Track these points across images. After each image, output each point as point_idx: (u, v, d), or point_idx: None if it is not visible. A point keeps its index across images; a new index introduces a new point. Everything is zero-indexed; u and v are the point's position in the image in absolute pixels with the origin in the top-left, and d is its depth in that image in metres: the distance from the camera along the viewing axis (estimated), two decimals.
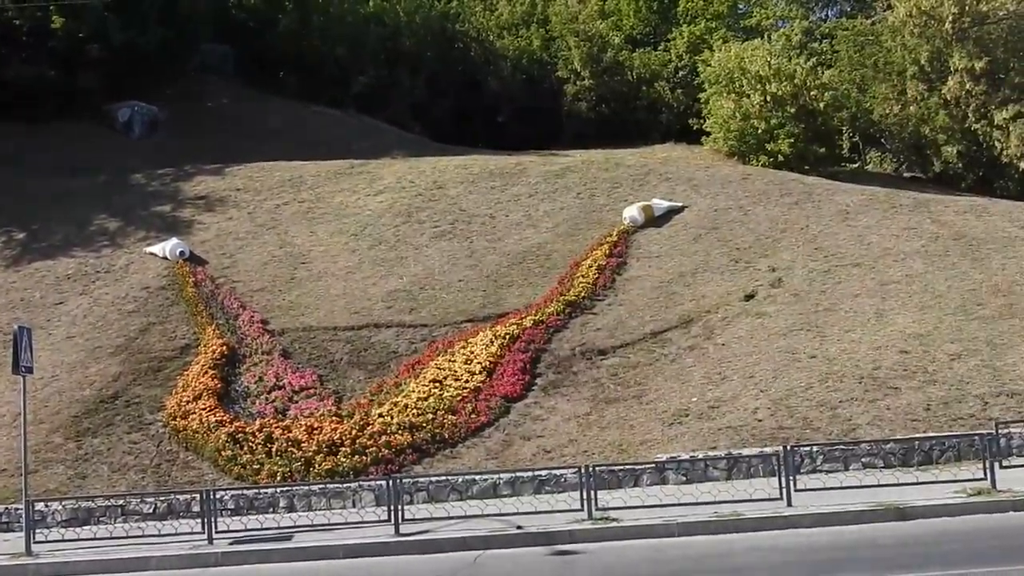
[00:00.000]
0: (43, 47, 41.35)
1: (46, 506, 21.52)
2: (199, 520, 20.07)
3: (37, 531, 19.71)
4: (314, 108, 46.22)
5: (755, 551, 15.12)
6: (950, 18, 37.60)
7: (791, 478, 17.95)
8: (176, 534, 19.38)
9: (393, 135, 44.75)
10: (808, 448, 20.67)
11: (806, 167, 37.02)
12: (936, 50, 38.41)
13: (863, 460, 20.93)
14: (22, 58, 41.36)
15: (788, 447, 18.65)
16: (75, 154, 39.98)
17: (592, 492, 18.32)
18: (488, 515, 19.03)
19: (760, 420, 22.90)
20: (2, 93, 40.67)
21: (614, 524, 17.64)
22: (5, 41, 41.70)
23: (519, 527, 17.99)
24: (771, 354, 25.12)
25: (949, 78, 37.90)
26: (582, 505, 18.35)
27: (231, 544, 18.58)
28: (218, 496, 20.28)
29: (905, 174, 40.58)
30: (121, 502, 21.99)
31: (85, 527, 21.39)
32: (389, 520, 18.51)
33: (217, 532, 18.92)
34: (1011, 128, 36.80)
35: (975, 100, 37.80)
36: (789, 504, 17.59)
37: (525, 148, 42.39)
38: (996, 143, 37.33)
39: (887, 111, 39.80)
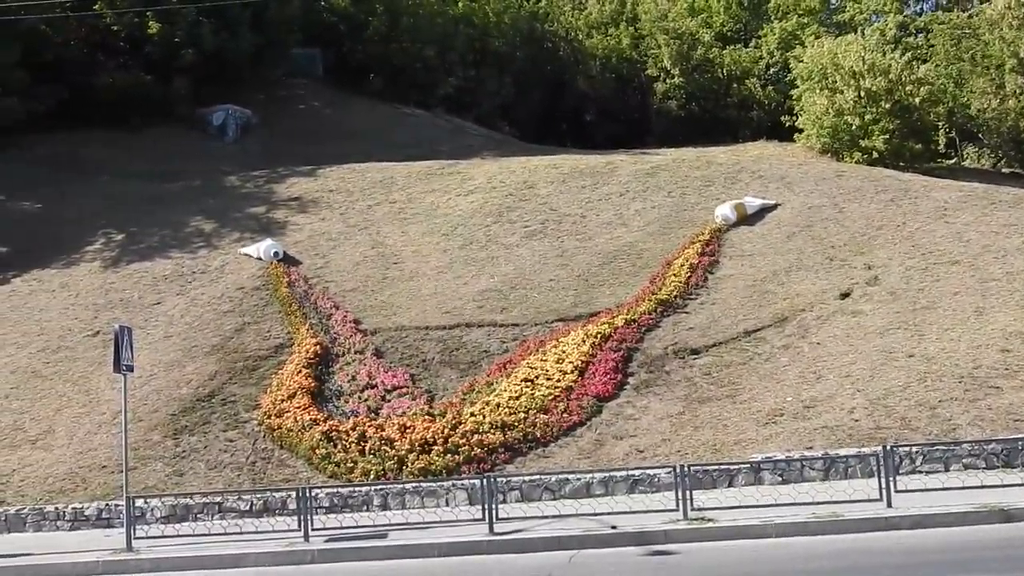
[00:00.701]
0: (139, 53, 42.26)
1: (145, 503, 21.88)
2: (294, 517, 20.28)
3: (137, 527, 20.07)
4: (402, 109, 46.63)
5: (855, 553, 14.91)
6: None
7: (891, 479, 17.66)
8: (273, 531, 19.61)
9: (481, 136, 44.95)
10: (907, 448, 20.29)
11: (901, 164, 36.46)
12: None
13: (964, 461, 20.46)
14: (119, 64, 42.24)
15: (888, 447, 18.34)
16: (169, 158, 40.77)
17: (687, 492, 18.20)
18: (582, 515, 18.99)
19: (857, 420, 22.54)
20: (99, 99, 41.54)
21: (710, 524, 17.50)
22: (103, 48, 42.64)
23: (614, 527, 17.92)
24: (868, 353, 24.73)
25: None
26: (677, 505, 18.22)
27: (327, 542, 18.75)
28: (313, 494, 20.51)
29: (1004, 170, 39.77)
30: (218, 499, 22.32)
31: (183, 523, 21.72)
32: (483, 519, 18.56)
33: (313, 530, 19.12)
34: None
35: None
36: (889, 505, 17.30)
37: (613, 147, 42.36)
38: None
39: (985, 105, 39.10)
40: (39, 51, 41.17)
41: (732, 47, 48.63)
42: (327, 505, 21.57)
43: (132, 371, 21.17)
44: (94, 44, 42.67)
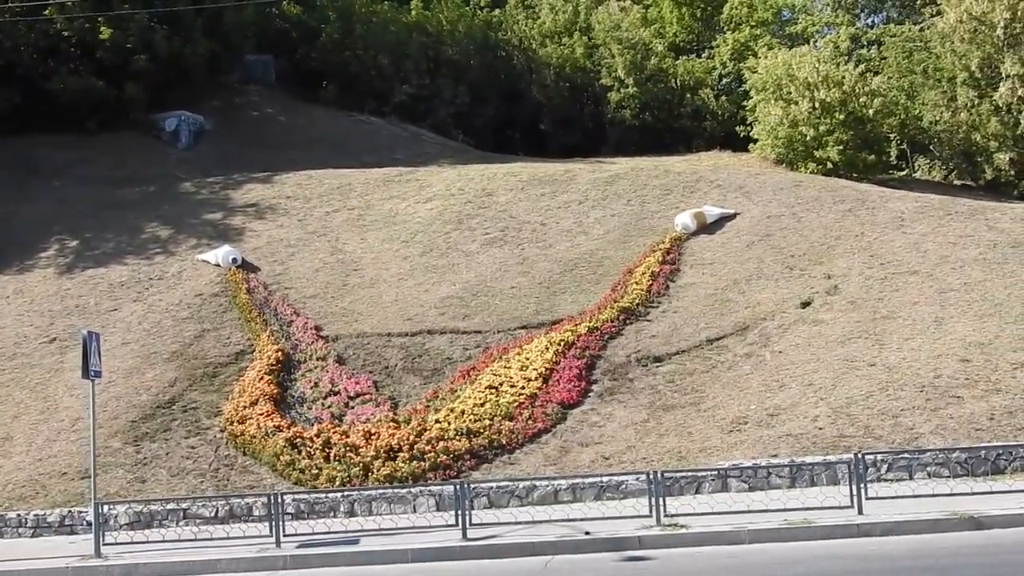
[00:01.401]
0: (91, 58, 41.74)
1: (109, 509, 21.65)
2: (262, 524, 20.20)
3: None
4: (357, 117, 46.49)
5: (830, 559, 15.08)
6: (1002, 23, 37.31)
7: (862, 486, 17.85)
8: (243, 537, 19.47)
9: (436, 143, 44.96)
10: (873, 456, 20.53)
11: (855, 175, 36.87)
12: (987, 56, 38.11)
13: (928, 469, 20.75)
14: (70, 69, 41.77)
15: (859, 454, 18.55)
16: (123, 164, 40.43)
17: (661, 498, 18.32)
18: (555, 520, 19.01)
19: (821, 428, 22.76)
20: (50, 105, 41.10)
21: (683, 530, 17.61)
22: (54, 53, 42.13)
23: (587, 532, 17.99)
24: (829, 362, 24.98)
25: (1001, 84, 37.62)
26: (650, 511, 18.33)
27: (298, 547, 18.67)
28: (281, 500, 20.42)
29: (955, 182, 40.34)
30: (184, 505, 22.15)
31: (148, 530, 21.59)
32: (456, 524, 18.56)
33: (284, 535, 19.04)
34: None
35: None
36: (860, 512, 17.49)
37: (568, 156, 42.49)
38: None
39: (937, 118, 39.61)
40: None
41: (685, 57, 48.93)
42: (293, 511, 21.44)
43: (100, 377, 21.00)
44: (46, 49, 42.09)
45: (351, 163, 39.29)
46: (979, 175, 39.64)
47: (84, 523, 22.07)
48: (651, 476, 18.68)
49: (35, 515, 22.64)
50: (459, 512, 18.57)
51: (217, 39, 43.96)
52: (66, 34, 41.55)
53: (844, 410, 23.16)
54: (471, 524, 18.57)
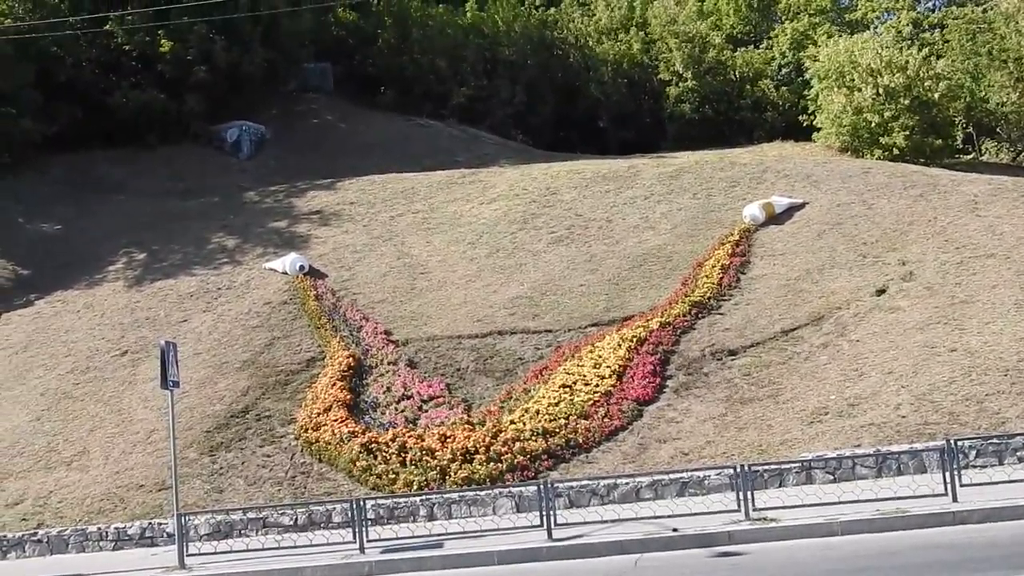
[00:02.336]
0: (152, 71, 42.07)
1: (189, 519, 21.61)
2: (343, 530, 20.12)
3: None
4: (416, 121, 46.52)
5: (928, 548, 14.65)
6: None
7: (956, 473, 17.46)
8: (326, 544, 19.38)
9: (495, 144, 44.88)
10: (962, 442, 20.07)
11: (922, 160, 36.38)
12: None
13: (1019, 454, 20.27)
14: (131, 83, 42.09)
15: (952, 441, 18.13)
16: (185, 176, 40.72)
17: (749, 492, 17.99)
18: (640, 518, 18.75)
19: (904, 416, 22.35)
20: (111, 119, 41.44)
21: (773, 524, 17.28)
22: (114, 68, 42.51)
23: (675, 529, 17.71)
24: (909, 349, 24.55)
25: None
26: (738, 505, 18.01)
27: (382, 552, 18.54)
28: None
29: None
30: (264, 514, 22.11)
31: (227, 540, 21.54)
32: (541, 525, 18.34)
33: (368, 541, 18.92)
34: None
35: None
36: (955, 500, 17.07)
37: (626, 153, 42.23)
38: None
39: (1004, 99, 39.09)
40: (52, 72, 41.07)
41: (744, 49, 48.57)
42: (373, 517, 21.23)
43: (178, 386, 20.98)
44: (107, 64, 42.58)
45: (412, 167, 39.26)
46: None
47: (164, 535, 22.12)
48: (737, 470, 18.35)
49: (115, 528, 22.70)
50: (543, 512, 18.35)
51: (275, 48, 44.16)
52: (127, 48, 41.92)
53: (927, 397, 22.73)
54: (556, 524, 18.38)
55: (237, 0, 41.87)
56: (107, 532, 22.62)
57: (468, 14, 49.50)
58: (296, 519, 22.06)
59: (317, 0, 47.24)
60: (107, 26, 41.54)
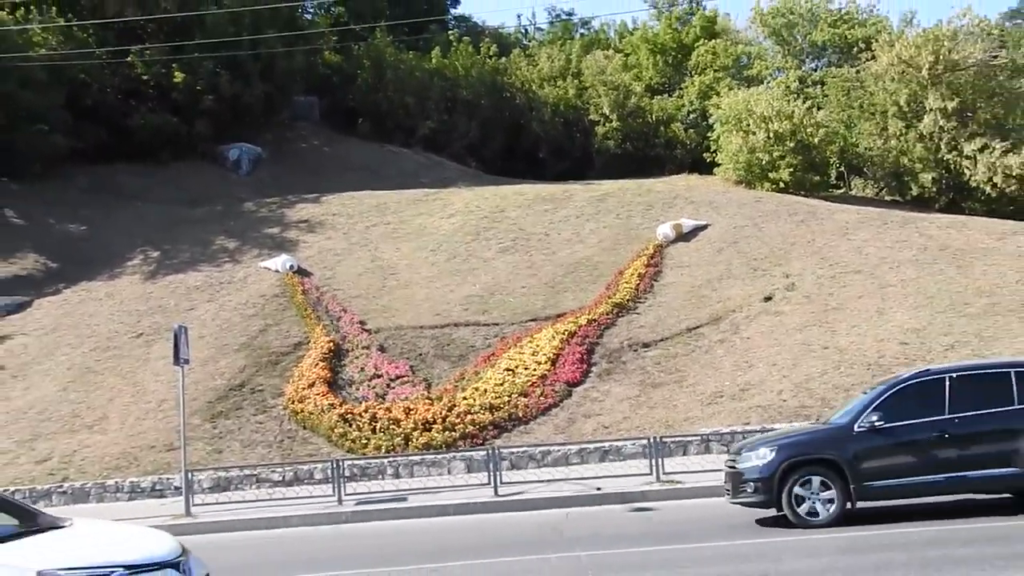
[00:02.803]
0: (166, 98, 41.59)
1: (193, 475, 21.54)
2: (324, 485, 20.21)
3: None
4: (388, 148, 46.29)
5: None
6: (926, 65, 37.28)
7: None
8: (310, 497, 19.50)
9: (454, 169, 44.82)
10: None
11: (803, 192, 36.77)
12: (913, 93, 38.04)
13: None
14: (148, 108, 41.64)
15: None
16: (193, 188, 40.26)
17: (659, 459, 18.31)
18: (570, 479, 19.05)
19: (785, 400, 22.83)
20: (130, 138, 40.95)
21: (679, 486, 17.66)
22: (134, 95, 42.06)
23: (599, 488, 18.01)
24: (789, 346, 25.03)
25: (925, 116, 37.56)
26: (650, 470, 18.37)
27: (357, 504, 18.67)
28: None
29: (886, 198, 40.26)
30: (257, 471, 22.09)
31: (225, 493, 21.51)
32: (489, 483, 18.58)
33: (345, 495, 19.00)
34: (978, 158, 36.53)
35: (947, 134, 37.47)
36: None
37: (561, 179, 42.36)
38: (965, 171, 37.02)
39: (871, 145, 39.54)
40: (80, 96, 40.53)
41: (659, 97, 48.76)
42: (348, 475, 21.24)
43: (189, 363, 20.91)
44: (127, 90, 42.00)
45: (384, 186, 39.14)
46: (906, 192, 39.51)
47: (172, 488, 21.99)
48: (650, 441, 18.68)
49: (130, 482, 22.55)
50: (491, 472, 18.60)
51: (271, 83, 43.79)
52: (145, 78, 41.41)
53: (803, 385, 23.23)
54: (501, 483, 18.58)
55: (240, 41, 41.60)
56: (123, 485, 22.46)
57: (433, 60, 49.35)
58: (284, 476, 22.07)
59: (307, 43, 47.12)
60: (128, 58, 41.03)
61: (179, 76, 40.89)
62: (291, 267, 31.72)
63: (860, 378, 23.03)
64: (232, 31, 41.60)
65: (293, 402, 24.96)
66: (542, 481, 19.21)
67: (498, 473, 18.66)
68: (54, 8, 40.04)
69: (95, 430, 25.32)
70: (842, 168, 42.47)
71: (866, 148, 39.92)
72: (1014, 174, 36.48)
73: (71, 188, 38.96)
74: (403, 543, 15.44)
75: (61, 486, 22.41)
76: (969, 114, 37.66)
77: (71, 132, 39.52)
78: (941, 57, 37.22)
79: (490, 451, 19.28)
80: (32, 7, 39.69)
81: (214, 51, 40.94)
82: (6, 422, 25.77)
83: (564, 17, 63.37)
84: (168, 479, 22.40)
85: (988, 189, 36.78)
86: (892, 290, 26.72)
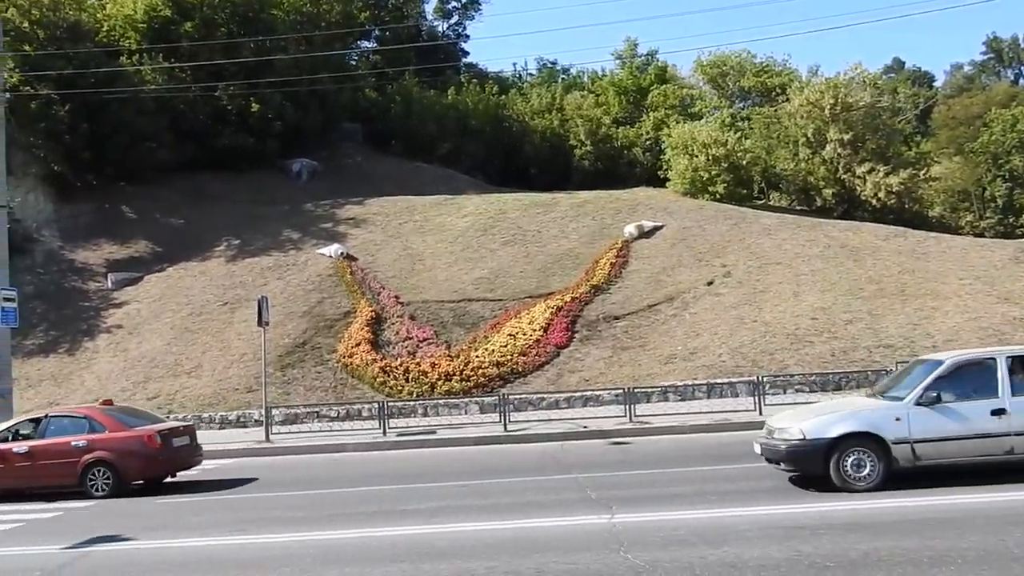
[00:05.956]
0: (244, 123, 40.93)
1: (271, 411, 21.34)
2: (371, 421, 19.95)
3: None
4: (415, 163, 45.71)
5: (742, 442, 14.84)
6: (828, 107, 37.11)
7: (762, 397, 17.74)
8: (361, 430, 19.25)
9: (464, 181, 44.23)
10: (763, 379, 20.35)
11: (734, 202, 36.47)
12: (818, 127, 37.83)
13: (796, 387, 20.71)
14: (230, 130, 41.03)
15: (760, 377, 18.42)
16: (264, 192, 39.69)
17: (632, 405, 18.13)
18: (563, 419, 18.86)
19: (724, 361, 22.70)
20: (215, 153, 40.38)
21: (647, 425, 17.47)
22: (220, 119, 41.41)
23: (585, 427, 17.81)
24: (727, 320, 24.87)
25: (827, 145, 37.41)
26: (624, 413, 18.20)
27: (398, 436, 18.44)
28: (384, 406, 20.14)
29: (797, 207, 40.05)
30: (318, 409, 21.87)
31: (292, 425, 21.28)
32: (499, 422, 18.40)
33: (388, 428, 18.77)
34: (867, 178, 36.47)
35: (843, 160, 37.33)
36: (760, 414, 17.36)
37: (549, 190, 41.89)
38: (857, 188, 36.92)
39: (786, 167, 39.39)
40: (179, 121, 39.92)
41: (623, 127, 48.31)
42: (387, 414, 21.15)
43: (268, 325, 20.64)
44: (215, 116, 41.25)
45: (412, 193, 38.66)
46: (812, 203, 39.30)
47: (252, 421, 21.82)
48: (626, 391, 18.51)
49: (220, 415, 22.38)
50: (502, 413, 18.39)
51: (324, 112, 43.22)
52: (228, 107, 40.78)
53: (738, 350, 23.09)
54: (509, 421, 18.38)
55: (301, 80, 41.01)
56: (214, 418, 22.30)
57: (449, 97, 48.78)
58: (339, 413, 21.90)
59: (352, 83, 46.52)
60: (216, 93, 40.46)
61: (255, 106, 40.30)
62: (341, 253, 31.36)
63: (781, 345, 23.00)
64: (295, 72, 40.98)
65: (344, 357, 24.76)
66: (540, 421, 19.05)
67: (507, 413, 18.47)
68: (161, 55, 39.42)
69: (192, 376, 25.09)
70: (763, 184, 42.20)
71: (782, 169, 39.76)
72: (893, 191, 36.51)
73: (173, 192, 38.45)
74: (435, 465, 15.25)
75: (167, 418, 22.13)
76: (860, 144, 37.50)
77: (173, 149, 39.00)
78: (839, 100, 37.06)
79: (501, 396, 19.10)
80: (144, 54, 39.11)
81: (281, 87, 40.34)
82: (124, 367, 25.51)
83: (549, 65, 62.68)
84: (249, 414, 22.20)
85: (874, 202, 36.74)
86: (804, 278, 26.58)
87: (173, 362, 25.79)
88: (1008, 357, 10.69)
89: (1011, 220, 48.73)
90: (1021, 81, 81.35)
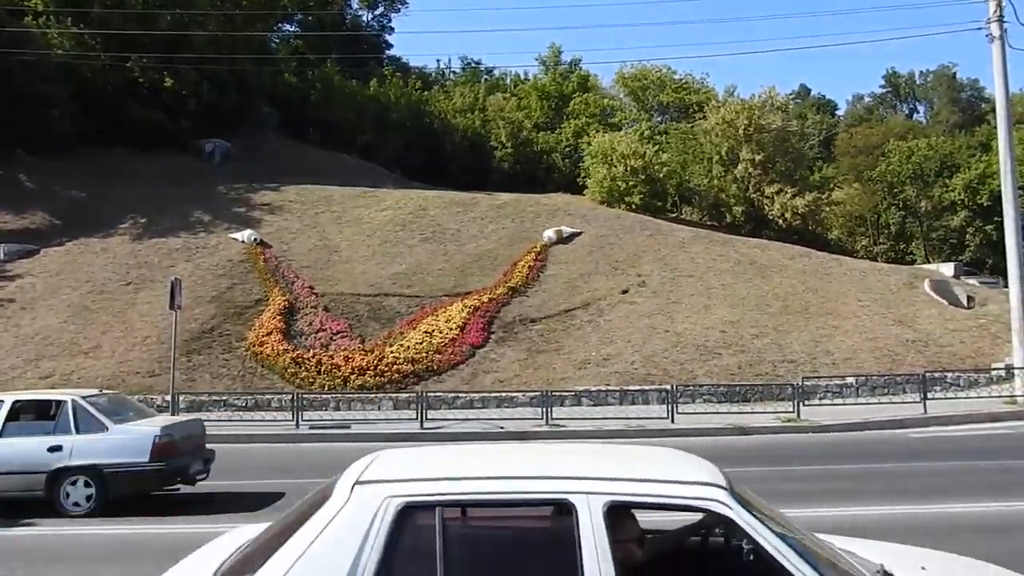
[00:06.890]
0: (156, 99, 39.37)
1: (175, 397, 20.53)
2: (277, 412, 19.47)
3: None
4: (333, 153, 44.92)
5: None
6: (742, 127, 38.21)
7: (675, 405, 18.06)
8: (273, 421, 18.73)
9: (383, 174, 43.73)
10: (673, 387, 20.76)
11: (649, 213, 37.14)
12: (731, 146, 38.92)
13: (704, 397, 21.15)
14: (141, 104, 39.40)
15: (674, 386, 18.75)
16: (175, 172, 38.21)
17: (549, 408, 18.21)
18: (480, 419, 18.79)
19: (636, 369, 23.05)
20: (125, 128, 38.71)
21: (563, 428, 17.57)
22: (130, 92, 39.70)
23: (502, 427, 17.79)
24: (640, 328, 25.27)
25: (739, 164, 38.52)
26: (541, 415, 18.24)
27: (310, 428, 18.04)
28: (294, 397, 19.66)
29: (708, 221, 41.11)
30: (224, 398, 21.18)
31: (198, 413, 20.46)
32: (416, 418, 18.20)
33: (301, 421, 18.33)
34: (775, 199, 37.71)
35: (754, 179, 38.51)
36: (672, 422, 17.72)
37: (468, 190, 41.84)
38: (765, 207, 38.16)
39: (699, 182, 40.35)
40: (85, 90, 38.07)
41: (544, 132, 48.72)
42: (298, 406, 20.64)
43: (181, 309, 19.88)
44: (125, 89, 39.53)
45: (329, 183, 37.84)
46: (722, 219, 40.39)
47: (154, 407, 20.81)
48: (543, 393, 18.58)
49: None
50: (419, 410, 18.23)
51: (242, 94, 41.93)
52: (140, 80, 39.13)
53: (650, 359, 23.48)
54: (426, 418, 18.21)
55: (220, 58, 39.70)
56: None
57: (371, 89, 48.16)
58: (247, 403, 21.24)
59: (272, 66, 45.38)
60: (128, 64, 38.78)
61: (168, 81, 38.81)
62: (255, 239, 30.53)
63: (691, 355, 23.50)
64: (213, 50, 39.62)
65: (254, 346, 24.11)
66: (456, 420, 18.94)
67: (425, 410, 18.30)
68: (70, 19, 37.50)
69: (90, 356, 23.95)
70: (676, 198, 43.12)
71: (696, 184, 40.69)
72: (799, 212, 37.84)
73: (76, 164, 36.63)
74: (351, 458, 14.89)
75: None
76: (770, 165, 38.75)
77: (78, 120, 37.18)
78: (752, 122, 38.18)
79: (418, 393, 18.89)
80: (52, 16, 37.15)
81: (198, 65, 39.00)
82: (15, 344, 24.14)
83: (473, 65, 62.62)
84: (151, 399, 21.17)
85: (781, 222, 38.00)
86: (715, 291, 27.24)
87: (69, 340, 24.54)
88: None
89: (902, 247, 51.45)
90: (915, 116, 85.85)
